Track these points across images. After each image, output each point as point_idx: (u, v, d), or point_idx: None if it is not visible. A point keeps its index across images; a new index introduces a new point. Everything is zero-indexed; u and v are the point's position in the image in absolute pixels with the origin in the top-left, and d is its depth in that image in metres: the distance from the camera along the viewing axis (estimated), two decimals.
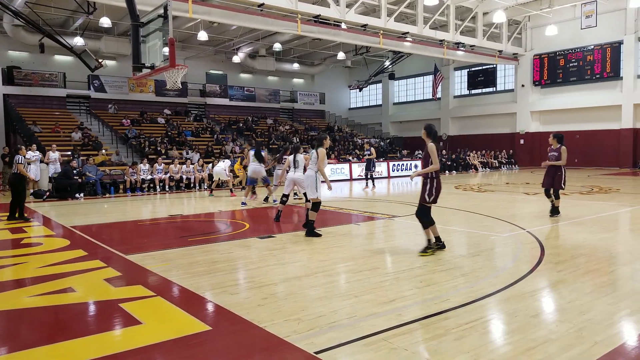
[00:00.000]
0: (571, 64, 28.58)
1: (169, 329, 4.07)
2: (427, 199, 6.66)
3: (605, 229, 8.57)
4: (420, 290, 5.08)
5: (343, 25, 22.04)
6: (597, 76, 27.56)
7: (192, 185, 18.91)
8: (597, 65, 27.50)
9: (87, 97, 28.41)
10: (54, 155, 17.20)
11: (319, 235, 8.27)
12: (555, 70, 29.32)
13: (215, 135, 28.07)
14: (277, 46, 30.01)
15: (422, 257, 6.53)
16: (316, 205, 8.38)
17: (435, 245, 6.81)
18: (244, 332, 4.01)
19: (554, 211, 9.89)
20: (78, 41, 22.45)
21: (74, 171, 16.36)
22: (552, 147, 9.84)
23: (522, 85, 30.90)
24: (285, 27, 20.19)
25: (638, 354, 3.57)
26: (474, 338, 3.79)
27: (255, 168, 13.09)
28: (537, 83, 30.33)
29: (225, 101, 33.75)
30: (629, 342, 3.75)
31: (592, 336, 3.79)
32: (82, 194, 16.10)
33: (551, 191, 9.85)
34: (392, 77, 36.38)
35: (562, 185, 9.67)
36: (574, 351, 3.52)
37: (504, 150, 31.06)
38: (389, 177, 24.88)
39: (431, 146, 6.56)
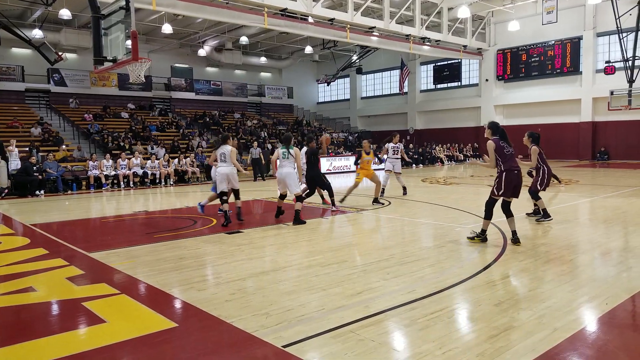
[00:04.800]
0: (533, 59, 29.27)
1: (134, 327, 4.00)
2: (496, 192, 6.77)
3: (565, 219, 8.84)
4: (387, 282, 5.15)
5: (310, 19, 21.97)
6: (558, 71, 28.33)
7: (157, 181, 18.58)
8: (557, 60, 28.26)
9: (47, 91, 27.51)
10: (13, 150, 16.55)
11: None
12: (517, 65, 29.98)
13: (181, 130, 27.66)
14: (244, 39, 29.72)
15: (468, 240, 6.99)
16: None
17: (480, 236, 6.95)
18: (212, 328, 3.98)
19: (537, 212, 8.83)
20: (37, 33, 21.64)
21: (34, 167, 15.86)
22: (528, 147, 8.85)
23: (486, 80, 31.49)
24: (251, 20, 19.99)
25: (596, 338, 3.71)
26: (440, 327, 3.86)
27: None
28: (500, 77, 30.96)
29: (191, 95, 33.23)
30: (587, 328, 3.89)
31: (553, 322, 3.91)
32: (42, 191, 15.63)
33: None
34: (359, 71, 36.50)
35: (538, 185, 8.68)
36: (535, 337, 3.63)
37: (469, 144, 31.66)
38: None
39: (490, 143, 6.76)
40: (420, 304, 4.42)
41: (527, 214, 9.06)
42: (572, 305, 4.32)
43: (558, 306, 4.29)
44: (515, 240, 6.71)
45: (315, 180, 10.60)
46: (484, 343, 3.56)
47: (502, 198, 6.79)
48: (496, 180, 6.74)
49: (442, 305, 4.36)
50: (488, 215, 6.80)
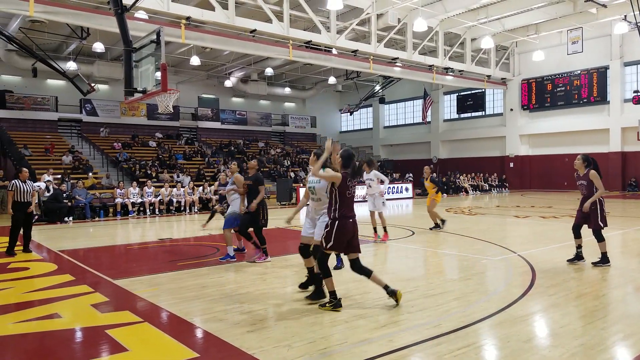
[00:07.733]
0: (558, 89, 29.04)
1: (155, 356, 3.99)
2: (325, 244, 5.28)
3: (596, 252, 8.54)
4: (412, 315, 5.03)
5: (334, 51, 22.32)
6: (585, 100, 28.00)
7: (182, 208, 18.79)
8: (584, 89, 27.96)
9: (78, 120, 28.41)
10: (48, 178, 17.05)
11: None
12: (543, 94, 29.77)
13: (207, 158, 28.07)
14: (269, 71, 30.30)
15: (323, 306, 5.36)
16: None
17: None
18: None
19: (579, 257, 7.52)
20: (71, 66, 22.55)
21: (64, 195, 16.25)
22: (579, 172, 7.39)
23: (511, 110, 31.30)
24: (277, 52, 20.43)
25: None
26: None
27: None
28: (525, 107, 30.74)
29: (217, 124, 33.86)
30: None
31: None
32: (71, 218, 15.95)
33: (581, 229, 7.49)
34: (382, 101, 36.72)
35: (600, 222, 7.17)
36: None
37: (495, 173, 31.29)
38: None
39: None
40: (446, 338, 4.30)
41: (568, 260, 7.61)
42: (606, 344, 4.15)
43: (591, 344, 4.12)
44: (392, 292, 5.31)
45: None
46: None
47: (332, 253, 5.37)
48: (326, 230, 5.27)
49: (469, 341, 4.23)
50: (325, 272, 5.26)
